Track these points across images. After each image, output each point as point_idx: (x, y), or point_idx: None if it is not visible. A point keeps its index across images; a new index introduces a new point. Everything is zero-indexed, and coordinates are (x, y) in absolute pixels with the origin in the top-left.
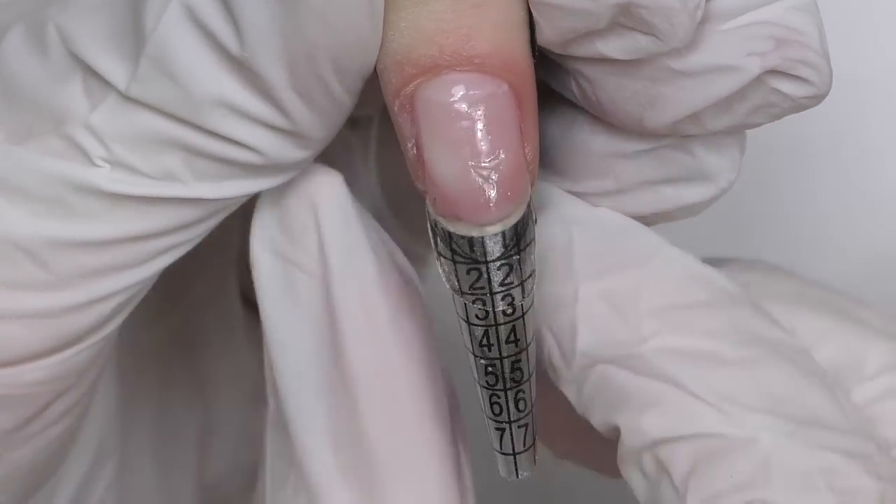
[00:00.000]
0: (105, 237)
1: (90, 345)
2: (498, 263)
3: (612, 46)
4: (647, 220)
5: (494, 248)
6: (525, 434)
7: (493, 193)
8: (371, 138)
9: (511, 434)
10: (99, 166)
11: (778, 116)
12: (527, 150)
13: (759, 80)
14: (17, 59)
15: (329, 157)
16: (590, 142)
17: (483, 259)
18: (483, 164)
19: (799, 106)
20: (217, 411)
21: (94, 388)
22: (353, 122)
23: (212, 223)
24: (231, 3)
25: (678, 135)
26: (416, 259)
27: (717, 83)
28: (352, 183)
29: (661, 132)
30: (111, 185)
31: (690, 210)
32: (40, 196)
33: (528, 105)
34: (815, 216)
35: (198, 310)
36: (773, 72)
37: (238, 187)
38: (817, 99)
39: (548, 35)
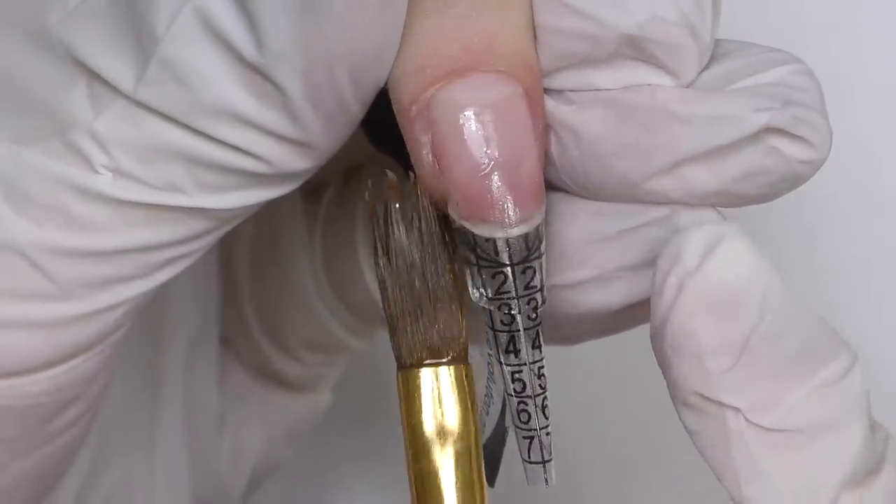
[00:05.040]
0: (107, 247)
1: (95, 354)
2: (522, 267)
3: (607, 77)
4: (621, 317)
5: (518, 250)
6: (552, 441)
7: (516, 193)
8: (320, 216)
9: (540, 442)
10: (101, 174)
11: (765, 188)
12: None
13: (758, 137)
14: (21, 63)
15: (279, 234)
16: (568, 230)
17: (507, 262)
18: (506, 165)
19: (793, 174)
20: (199, 435)
21: (103, 399)
22: (309, 193)
23: (214, 237)
24: (251, 10)
25: (660, 198)
26: (362, 335)
27: (715, 131)
28: (295, 261)
29: (643, 193)
30: (113, 193)
31: None
32: (43, 203)
33: (540, 107)
34: (815, 216)
35: (175, 343)
36: (775, 130)
37: (239, 198)
38: (813, 165)
39: (542, 62)
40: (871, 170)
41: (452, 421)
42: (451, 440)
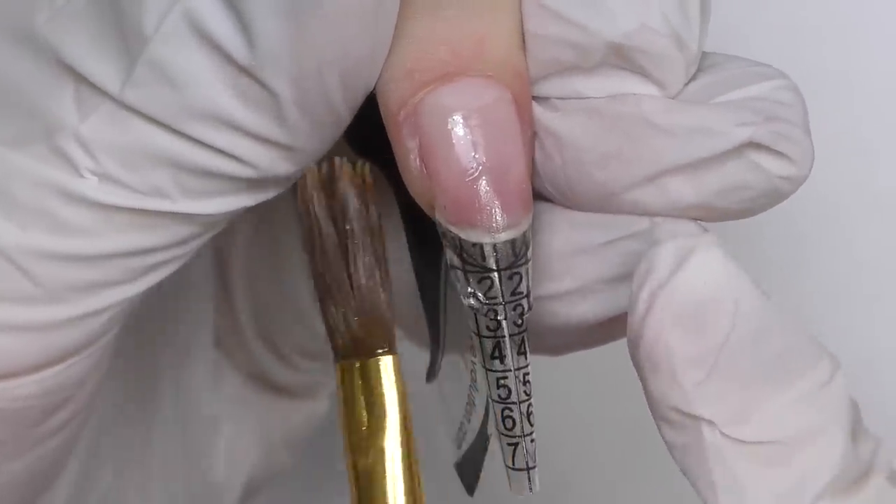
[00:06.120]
0: (92, 252)
1: (83, 358)
2: (509, 272)
3: (593, 86)
4: (602, 330)
5: (505, 256)
6: (536, 448)
7: (504, 199)
8: None
9: (525, 448)
10: (86, 178)
11: (745, 203)
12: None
13: (739, 151)
14: (8, 65)
15: (273, 238)
16: (549, 241)
17: (494, 267)
18: (494, 169)
19: (773, 190)
20: (193, 442)
21: (94, 400)
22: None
23: (199, 242)
24: (241, 11)
25: (640, 209)
26: None
27: (697, 144)
28: (290, 266)
29: (623, 203)
30: (98, 198)
31: None
32: (28, 206)
33: (528, 112)
34: (811, 219)
35: (169, 347)
36: (756, 145)
37: (224, 203)
38: (794, 183)
39: (529, 68)
40: (869, 171)
41: (384, 413)
42: (382, 432)
